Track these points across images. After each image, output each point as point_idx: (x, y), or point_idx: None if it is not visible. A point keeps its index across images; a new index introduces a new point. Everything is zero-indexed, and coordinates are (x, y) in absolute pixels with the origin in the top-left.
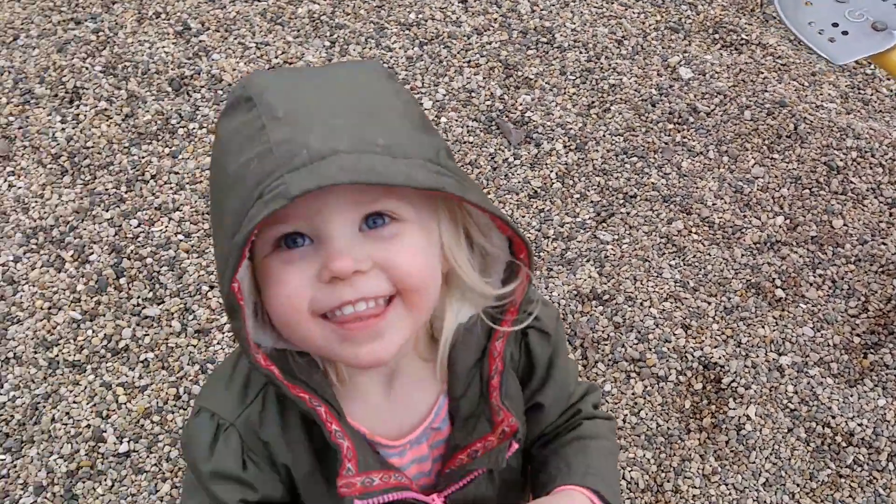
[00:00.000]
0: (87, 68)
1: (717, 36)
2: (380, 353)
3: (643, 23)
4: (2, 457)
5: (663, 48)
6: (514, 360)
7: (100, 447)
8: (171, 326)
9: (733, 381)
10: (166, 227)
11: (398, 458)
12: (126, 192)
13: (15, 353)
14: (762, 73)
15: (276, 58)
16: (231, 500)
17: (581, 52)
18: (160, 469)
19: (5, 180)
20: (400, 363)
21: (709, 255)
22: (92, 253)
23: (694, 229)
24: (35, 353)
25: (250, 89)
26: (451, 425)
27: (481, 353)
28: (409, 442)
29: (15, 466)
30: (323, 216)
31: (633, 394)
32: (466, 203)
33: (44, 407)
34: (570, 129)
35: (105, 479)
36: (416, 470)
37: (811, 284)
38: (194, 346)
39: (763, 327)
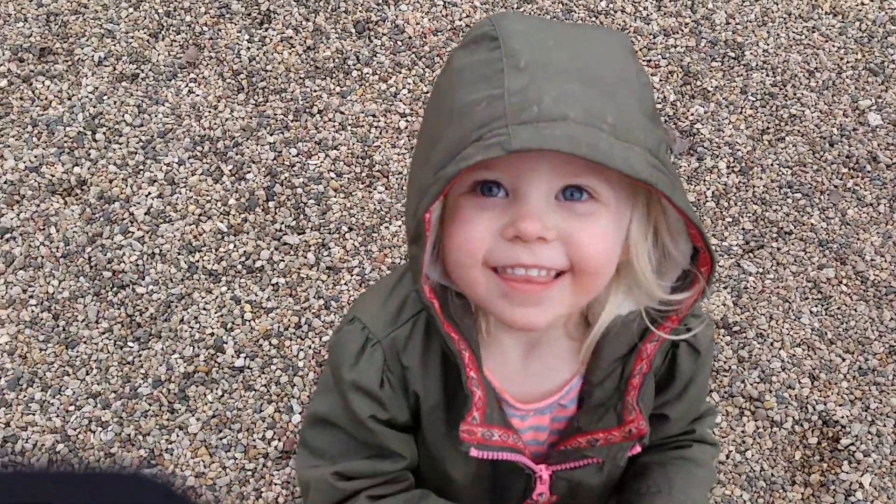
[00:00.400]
0: None
1: None
2: (533, 319)
3: (841, 59)
4: (131, 344)
5: (856, 89)
6: (656, 367)
7: (218, 357)
8: (305, 258)
9: (852, 444)
10: (321, 162)
11: (519, 420)
12: (292, 121)
13: (161, 251)
14: None
15: (460, 20)
16: (362, 413)
17: (768, 75)
18: (268, 391)
19: (187, 85)
20: (546, 334)
21: (855, 310)
22: (249, 172)
23: (845, 281)
24: (178, 254)
25: (498, 30)
26: (578, 407)
27: (629, 349)
28: (534, 409)
29: (140, 356)
30: (526, 175)
31: (742, 432)
32: (670, 204)
33: (176, 307)
34: (738, 150)
35: (217, 388)
36: (531, 436)
37: None
38: (323, 282)
39: None
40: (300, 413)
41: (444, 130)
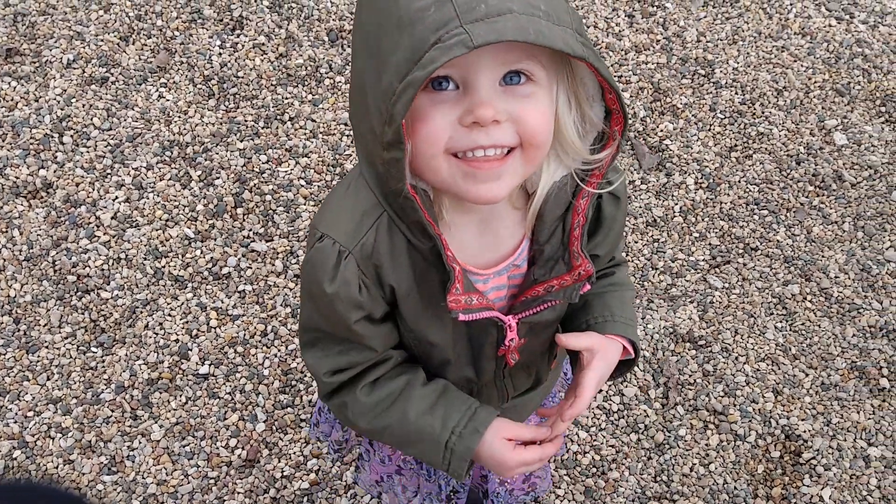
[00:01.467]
0: (256, 1)
1: (883, 109)
2: (495, 192)
3: (809, 78)
4: (94, 350)
5: (823, 108)
6: (587, 216)
7: (182, 364)
8: (273, 265)
9: (814, 458)
10: (292, 169)
11: (482, 284)
12: (263, 128)
13: (127, 255)
14: None
15: None
16: (349, 319)
17: (737, 93)
18: (233, 399)
19: (157, 90)
20: (494, 209)
21: (819, 326)
22: (218, 178)
23: (809, 297)
24: (145, 259)
25: None
26: (528, 265)
27: (566, 207)
28: (493, 272)
29: (103, 362)
30: (474, 67)
31: (706, 445)
32: (596, 74)
33: (141, 312)
34: (706, 166)
35: (181, 395)
36: (494, 295)
37: None
38: (290, 290)
39: (858, 413)
40: (264, 422)
41: (396, 39)
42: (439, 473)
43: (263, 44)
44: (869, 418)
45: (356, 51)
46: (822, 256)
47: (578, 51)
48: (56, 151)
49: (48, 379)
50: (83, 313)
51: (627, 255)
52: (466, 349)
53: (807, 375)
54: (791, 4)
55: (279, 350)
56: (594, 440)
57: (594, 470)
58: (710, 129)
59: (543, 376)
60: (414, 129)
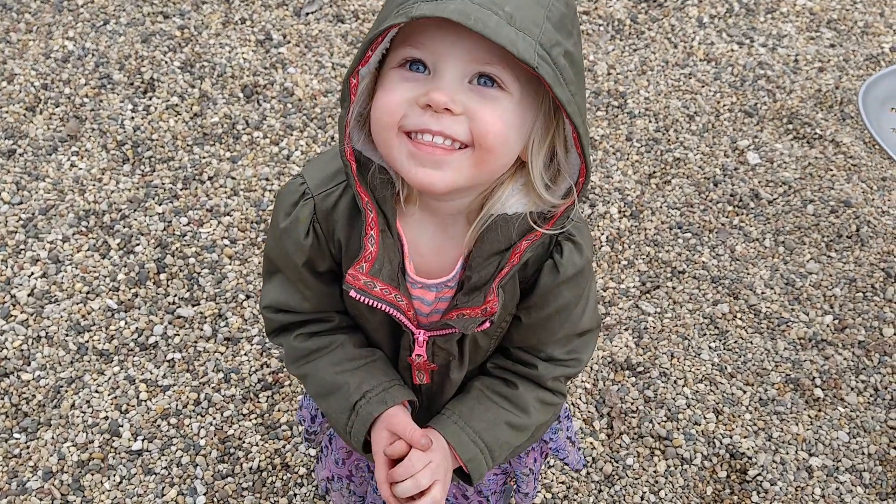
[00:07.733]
0: (166, 62)
1: (790, 126)
2: (433, 180)
3: (718, 102)
4: (17, 436)
5: (734, 130)
6: (527, 268)
7: (114, 441)
8: (202, 330)
9: (759, 474)
10: (214, 229)
11: (411, 287)
12: (181, 190)
13: (47, 333)
14: (831, 169)
15: None
16: (295, 259)
17: (650, 121)
18: (169, 473)
19: (69, 159)
20: (457, 220)
21: (751, 342)
22: (138, 244)
23: (739, 315)
24: (66, 336)
25: None
26: (459, 289)
27: (507, 247)
28: (423, 284)
29: (28, 448)
30: (444, 55)
31: (654, 471)
32: (556, 102)
33: (66, 391)
34: (628, 195)
35: (114, 475)
36: (416, 305)
37: (852, 389)
38: (221, 354)
39: (797, 425)
40: (204, 494)
41: (384, 8)
42: None
43: (177, 104)
44: (807, 429)
45: None
46: (748, 274)
47: (526, 55)
48: None
49: None
50: (3, 398)
51: None
52: (389, 343)
53: (744, 392)
54: (694, 33)
55: (214, 418)
56: (544, 478)
57: None
58: (628, 159)
59: None
60: (377, 97)
